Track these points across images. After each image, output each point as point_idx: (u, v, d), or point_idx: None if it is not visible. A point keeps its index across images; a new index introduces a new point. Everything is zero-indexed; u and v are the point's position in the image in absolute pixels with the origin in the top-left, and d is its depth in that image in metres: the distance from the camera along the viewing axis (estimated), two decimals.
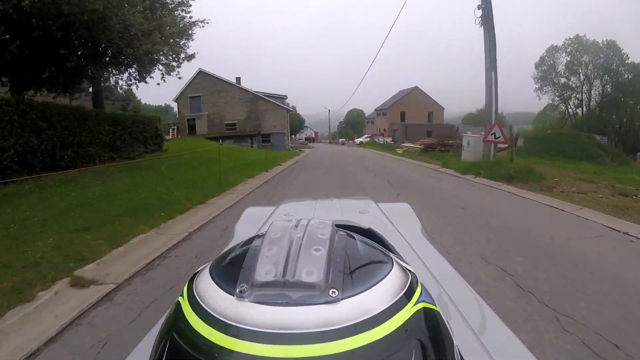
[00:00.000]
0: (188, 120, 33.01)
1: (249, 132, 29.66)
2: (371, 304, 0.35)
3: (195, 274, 0.44)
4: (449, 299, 0.67)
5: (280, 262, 0.37)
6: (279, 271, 0.36)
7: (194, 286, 0.41)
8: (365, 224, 0.72)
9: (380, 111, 51.71)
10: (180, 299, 0.41)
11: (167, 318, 0.41)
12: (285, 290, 0.34)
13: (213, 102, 31.97)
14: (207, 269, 0.43)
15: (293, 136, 74.44)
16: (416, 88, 49.95)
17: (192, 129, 32.77)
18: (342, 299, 0.34)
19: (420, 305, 0.38)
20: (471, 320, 0.60)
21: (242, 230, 1.29)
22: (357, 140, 46.45)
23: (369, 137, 45.94)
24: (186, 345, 0.34)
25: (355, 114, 75.59)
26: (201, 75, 32.19)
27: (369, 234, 0.63)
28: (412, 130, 44.55)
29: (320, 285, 0.34)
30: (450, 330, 0.41)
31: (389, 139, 41.15)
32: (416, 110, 48.39)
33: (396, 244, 0.69)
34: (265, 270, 0.36)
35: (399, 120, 47.80)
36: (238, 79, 33.01)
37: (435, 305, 0.41)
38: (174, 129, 34.46)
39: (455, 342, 0.41)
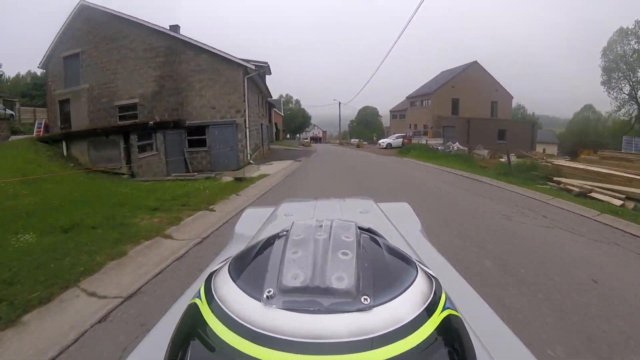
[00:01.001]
0: (60, 102, 16.60)
1: (158, 122, 12.63)
2: (403, 311, 0.33)
3: (211, 275, 0.41)
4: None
5: (307, 266, 0.35)
6: (308, 276, 0.34)
7: (212, 289, 0.38)
8: (365, 223, 0.66)
9: (416, 99, 34.41)
10: (197, 301, 0.38)
11: (183, 322, 0.38)
12: (315, 296, 0.33)
13: (100, 62, 15.38)
14: (226, 270, 0.40)
15: (298, 135, 59.33)
16: (475, 64, 32.56)
17: (66, 120, 16.35)
18: (374, 306, 0.33)
19: (447, 312, 0.37)
20: (472, 321, 0.58)
21: (242, 231, 1.27)
22: (383, 142, 29.56)
23: (402, 137, 29.02)
24: (211, 354, 0.32)
25: (368, 112, 63.35)
26: (85, 13, 15.70)
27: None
28: (476, 127, 27.36)
29: (352, 292, 0.33)
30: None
31: (439, 141, 24.19)
32: (474, 97, 31.09)
33: (396, 244, 0.64)
34: (292, 274, 0.34)
35: (449, 112, 30.55)
36: (174, 27, 16.00)
37: (458, 312, 0.40)
38: (40, 123, 18.11)
39: None
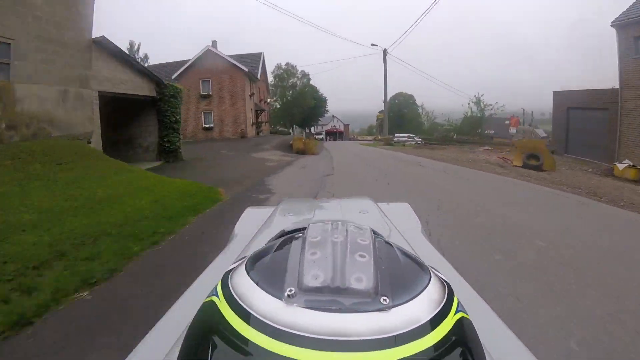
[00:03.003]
0: None
1: None
2: (419, 312, 0.35)
3: (227, 274, 0.42)
4: None
5: (327, 267, 0.36)
6: (328, 276, 0.35)
7: (230, 287, 0.39)
8: (365, 224, 0.66)
9: None
10: (214, 299, 0.39)
11: (200, 320, 0.39)
12: (336, 296, 0.34)
13: None
14: (243, 269, 0.41)
15: (308, 129, 44.72)
16: None
17: None
18: (393, 306, 0.34)
19: (459, 315, 0.38)
20: (472, 321, 0.57)
21: (243, 231, 1.28)
22: None
23: None
24: (233, 350, 0.33)
25: (401, 100, 49.91)
26: None
27: None
28: None
29: (371, 293, 0.34)
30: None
31: None
32: None
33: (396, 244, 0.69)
34: (312, 274, 0.36)
35: None
36: None
37: (468, 315, 0.41)
38: None
39: None
